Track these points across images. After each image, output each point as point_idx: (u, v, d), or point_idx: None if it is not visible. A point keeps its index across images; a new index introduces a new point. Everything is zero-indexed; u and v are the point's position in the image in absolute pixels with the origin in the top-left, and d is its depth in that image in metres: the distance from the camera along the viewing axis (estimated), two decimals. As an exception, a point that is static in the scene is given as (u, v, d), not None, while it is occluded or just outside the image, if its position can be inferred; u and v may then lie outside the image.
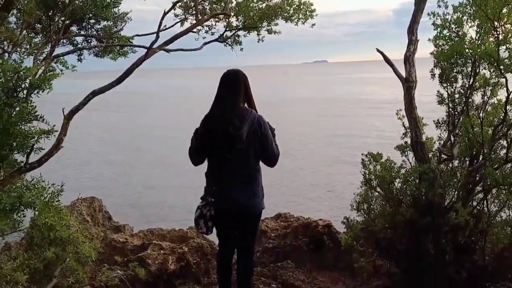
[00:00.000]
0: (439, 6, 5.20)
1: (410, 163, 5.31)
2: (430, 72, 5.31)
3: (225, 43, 7.01)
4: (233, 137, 3.65)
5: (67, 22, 5.73)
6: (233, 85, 3.82)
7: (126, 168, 21.29)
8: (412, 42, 5.38)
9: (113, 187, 17.33)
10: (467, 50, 5.03)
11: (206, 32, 7.08)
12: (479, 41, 5.06)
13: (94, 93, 4.48)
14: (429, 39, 5.37)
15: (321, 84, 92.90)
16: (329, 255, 6.18)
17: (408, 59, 5.33)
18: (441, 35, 5.18)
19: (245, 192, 3.81)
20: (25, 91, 3.60)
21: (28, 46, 6.03)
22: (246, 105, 3.90)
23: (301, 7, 6.64)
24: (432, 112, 5.56)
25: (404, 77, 5.32)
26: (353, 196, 5.35)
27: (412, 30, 5.37)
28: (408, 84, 5.26)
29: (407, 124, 5.37)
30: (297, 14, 6.66)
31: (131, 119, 41.20)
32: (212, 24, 6.98)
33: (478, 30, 5.09)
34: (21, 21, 5.72)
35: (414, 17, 5.38)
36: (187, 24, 6.86)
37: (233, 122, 3.65)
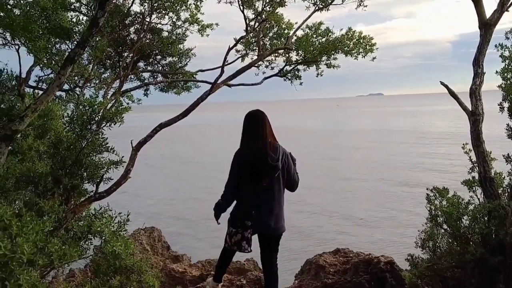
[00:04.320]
0: (507, 38, 5.05)
1: (478, 199, 5.09)
2: (499, 105, 5.12)
3: (285, 78, 7.11)
4: (272, 167, 4.19)
5: (135, 58, 6.03)
6: (262, 124, 4.33)
7: (185, 198, 21.65)
8: (478, 74, 5.22)
9: (171, 216, 17.62)
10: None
11: (266, 67, 7.24)
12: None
13: (161, 126, 4.63)
14: (496, 72, 5.21)
15: (380, 116, 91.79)
16: (391, 293, 5.92)
17: (475, 92, 5.17)
18: (510, 67, 5.02)
19: (278, 217, 4.33)
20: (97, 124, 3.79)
21: (97, 81, 6.37)
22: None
23: (361, 41, 6.65)
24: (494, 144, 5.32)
25: (471, 110, 5.16)
26: (418, 233, 5.17)
27: (478, 63, 5.22)
28: (475, 117, 5.10)
29: (474, 159, 5.17)
30: (357, 48, 6.66)
31: (193, 150, 42.12)
32: (272, 59, 7.13)
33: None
34: (92, 57, 6.05)
35: (480, 49, 5.23)
36: (247, 59, 7.05)
37: (270, 155, 4.19)
